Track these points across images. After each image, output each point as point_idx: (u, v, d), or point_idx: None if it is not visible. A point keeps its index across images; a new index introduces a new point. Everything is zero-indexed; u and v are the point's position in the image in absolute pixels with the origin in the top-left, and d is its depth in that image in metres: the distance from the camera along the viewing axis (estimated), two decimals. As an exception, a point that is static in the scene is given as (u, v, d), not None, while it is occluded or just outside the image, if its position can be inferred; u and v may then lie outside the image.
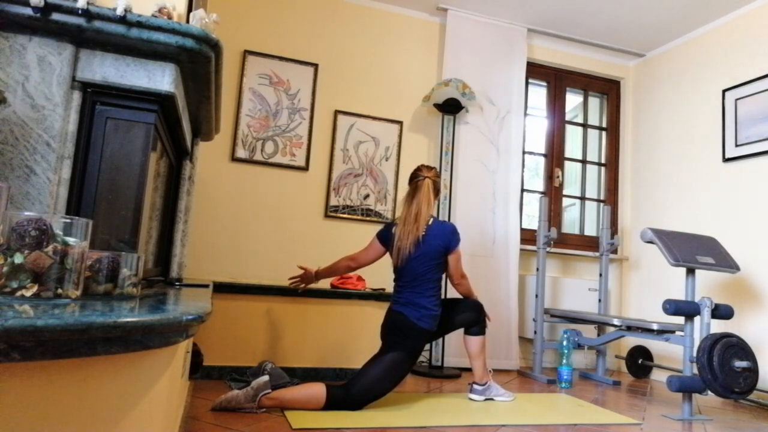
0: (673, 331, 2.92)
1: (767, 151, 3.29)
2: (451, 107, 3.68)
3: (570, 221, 4.49)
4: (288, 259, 3.50)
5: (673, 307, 2.65)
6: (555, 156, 4.32)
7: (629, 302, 4.22)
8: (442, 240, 2.55)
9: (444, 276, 2.75)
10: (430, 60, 4.01)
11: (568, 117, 4.48)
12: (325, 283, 3.25)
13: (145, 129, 1.52)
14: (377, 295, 3.06)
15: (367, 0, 3.89)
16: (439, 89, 3.63)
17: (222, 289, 2.77)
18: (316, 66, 3.69)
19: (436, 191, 2.66)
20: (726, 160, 3.55)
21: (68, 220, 1.10)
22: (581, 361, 4.12)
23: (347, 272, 2.84)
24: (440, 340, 3.43)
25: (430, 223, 2.57)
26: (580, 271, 4.24)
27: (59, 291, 1.04)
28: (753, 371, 2.50)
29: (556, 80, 4.39)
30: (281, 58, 3.62)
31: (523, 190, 4.15)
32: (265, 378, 2.21)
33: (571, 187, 4.43)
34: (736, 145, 3.49)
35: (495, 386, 2.72)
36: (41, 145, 1.38)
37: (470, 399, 2.68)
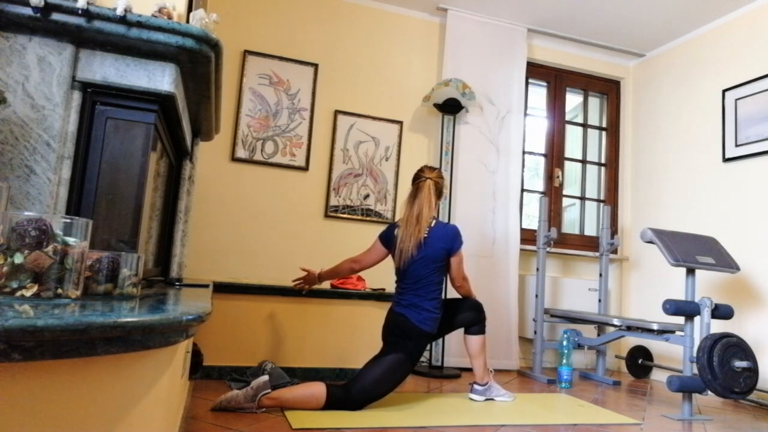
0: (673, 331, 2.92)
1: (767, 151, 3.29)
2: (451, 107, 3.68)
3: (570, 221, 4.49)
4: (288, 259, 3.50)
5: (673, 307, 2.65)
6: (555, 156, 4.32)
7: (629, 302, 4.22)
8: (445, 242, 2.54)
9: (445, 277, 2.75)
10: (430, 60, 4.01)
11: (568, 117, 4.48)
12: (325, 283, 3.24)
13: (145, 129, 1.52)
14: (377, 295, 3.06)
15: (367, 0, 3.89)
16: (439, 89, 3.63)
17: (222, 289, 2.77)
18: (316, 66, 3.69)
19: (438, 192, 2.65)
20: (726, 160, 3.55)
21: (68, 220, 1.10)
22: (581, 361, 4.12)
23: (350, 274, 2.83)
24: (440, 340, 3.43)
25: (432, 224, 2.56)
26: (580, 271, 4.24)
27: (59, 291, 1.04)
28: (753, 371, 2.50)
29: (556, 80, 4.39)
30: (281, 58, 3.62)
31: (523, 190, 4.15)
32: (265, 378, 2.21)
33: (571, 187, 4.43)
34: (736, 145, 3.49)
35: (495, 386, 2.72)
36: (41, 145, 1.38)
37: (470, 399, 2.68)
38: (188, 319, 1.01)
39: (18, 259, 1.01)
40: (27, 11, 1.33)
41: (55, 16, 1.36)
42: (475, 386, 2.69)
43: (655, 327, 2.96)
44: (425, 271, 2.50)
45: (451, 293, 3.02)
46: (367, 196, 3.73)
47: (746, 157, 3.42)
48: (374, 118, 3.80)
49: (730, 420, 2.68)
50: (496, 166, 3.91)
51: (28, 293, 1.00)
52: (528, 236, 4.07)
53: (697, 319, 2.76)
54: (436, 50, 4.03)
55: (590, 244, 4.30)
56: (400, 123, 3.86)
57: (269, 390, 2.16)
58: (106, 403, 0.95)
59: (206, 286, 2.34)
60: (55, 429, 0.88)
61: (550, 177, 4.29)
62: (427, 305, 2.48)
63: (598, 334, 3.75)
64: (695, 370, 2.65)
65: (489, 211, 3.85)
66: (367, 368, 2.35)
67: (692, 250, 2.87)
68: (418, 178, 2.65)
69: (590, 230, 4.43)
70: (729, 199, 3.51)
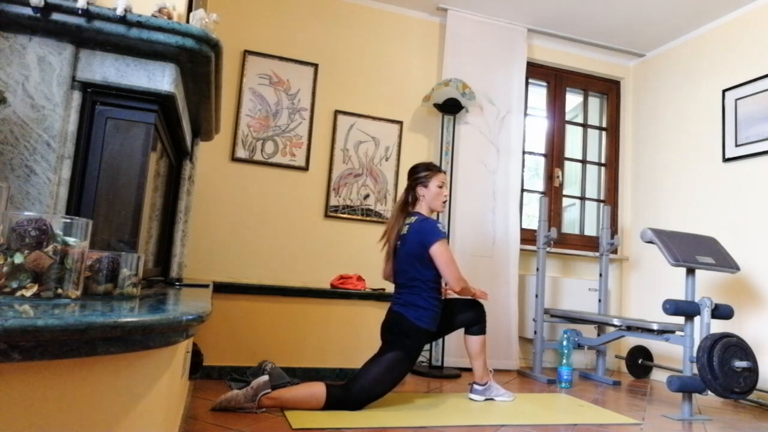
0: (673, 331, 2.92)
1: (767, 151, 3.29)
2: (451, 107, 3.68)
3: (570, 221, 4.49)
4: (288, 259, 3.50)
5: (673, 307, 2.65)
6: (555, 156, 4.31)
7: (629, 302, 4.22)
8: (419, 235, 2.52)
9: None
10: (430, 60, 4.01)
11: (568, 117, 4.48)
12: (325, 283, 3.25)
13: (145, 129, 1.52)
14: (377, 295, 3.06)
15: (367, 0, 3.89)
16: (439, 89, 3.63)
17: (222, 289, 2.77)
18: (316, 66, 3.69)
19: (407, 189, 2.69)
20: (726, 160, 3.55)
21: (68, 220, 1.10)
22: (581, 361, 4.12)
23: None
24: (440, 340, 3.43)
25: (412, 220, 2.59)
26: (580, 271, 4.24)
27: (59, 291, 1.04)
28: (753, 371, 2.50)
29: (556, 80, 4.39)
30: (281, 58, 3.62)
31: (523, 190, 4.15)
32: (265, 378, 2.21)
33: (571, 187, 4.43)
34: (736, 145, 3.49)
35: (495, 386, 2.72)
36: (41, 145, 1.38)
37: (470, 399, 2.68)
38: (188, 319, 1.01)
39: (18, 259, 1.01)
40: (27, 11, 1.33)
41: (55, 16, 1.36)
42: (475, 386, 2.69)
43: (655, 327, 2.96)
44: (410, 268, 2.53)
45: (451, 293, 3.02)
46: (367, 196, 3.73)
47: (746, 157, 3.42)
48: (374, 118, 3.80)
49: (730, 420, 2.68)
50: (496, 166, 3.91)
51: (28, 293, 1.00)
52: (528, 236, 4.07)
53: (697, 319, 2.76)
54: (436, 50, 4.03)
55: (590, 244, 4.30)
56: (400, 123, 3.86)
57: (269, 390, 2.16)
58: (106, 403, 0.95)
59: (206, 286, 2.34)
60: (55, 429, 0.88)
61: (550, 177, 4.29)
62: (423, 303, 2.49)
63: (598, 334, 3.75)
64: (695, 370, 2.64)
65: (489, 211, 3.85)
66: (366, 368, 2.36)
67: (692, 250, 2.87)
68: None
69: (590, 230, 4.43)
70: (729, 199, 3.51)
